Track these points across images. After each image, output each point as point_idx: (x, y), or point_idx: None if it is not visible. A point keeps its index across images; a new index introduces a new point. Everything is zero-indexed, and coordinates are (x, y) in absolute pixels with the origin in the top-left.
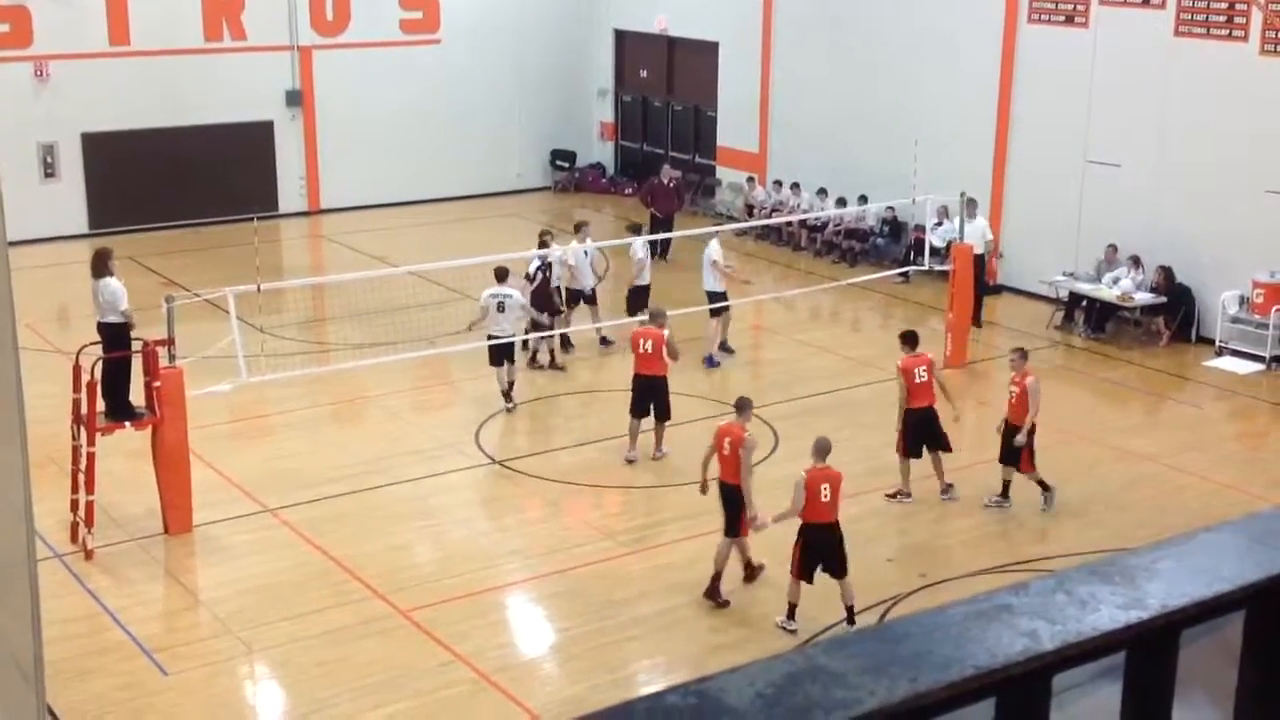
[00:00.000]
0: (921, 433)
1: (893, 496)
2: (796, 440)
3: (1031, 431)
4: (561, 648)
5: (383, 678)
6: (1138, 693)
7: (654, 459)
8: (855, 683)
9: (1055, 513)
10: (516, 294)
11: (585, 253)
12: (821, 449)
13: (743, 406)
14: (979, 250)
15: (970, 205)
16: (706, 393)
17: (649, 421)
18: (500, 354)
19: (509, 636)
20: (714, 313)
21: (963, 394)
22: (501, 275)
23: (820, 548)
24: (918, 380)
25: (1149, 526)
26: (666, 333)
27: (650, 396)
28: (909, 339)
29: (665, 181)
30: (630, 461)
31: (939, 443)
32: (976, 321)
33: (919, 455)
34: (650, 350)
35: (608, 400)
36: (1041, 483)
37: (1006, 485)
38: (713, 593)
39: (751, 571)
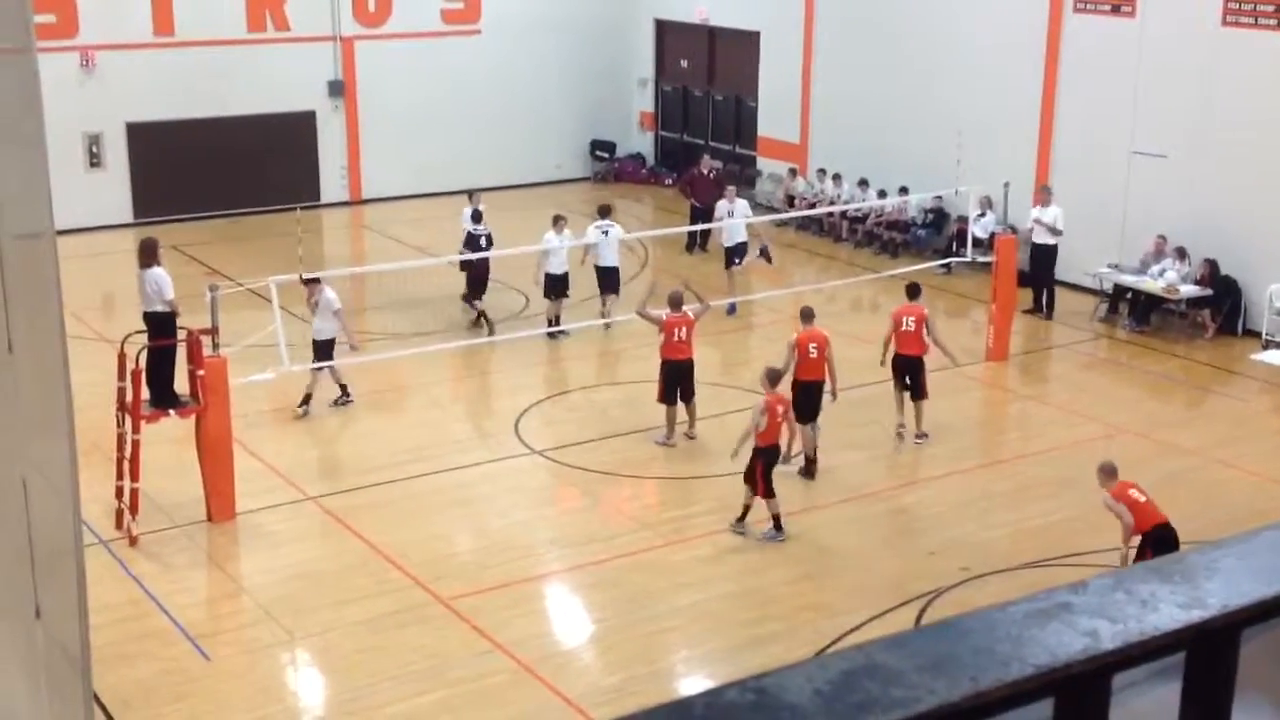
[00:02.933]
0: (810, 402)
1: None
2: (834, 431)
3: (766, 458)
4: (600, 638)
5: (423, 666)
6: (1197, 693)
7: (690, 438)
8: (915, 681)
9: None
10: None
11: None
12: (806, 315)
13: (807, 315)
14: (1050, 240)
15: (1044, 193)
16: (732, 382)
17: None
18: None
19: (548, 626)
20: (740, 263)
21: (1010, 386)
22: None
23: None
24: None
25: (1194, 521)
26: (693, 314)
27: (682, 381)
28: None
29: (705, 172)
30: (670, 445)
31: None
32: (1041, 310)
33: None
34: (685, 336)
35: (648, 391)
36: (775, 517)
37: (745, 509)
38: (810, 470)
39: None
